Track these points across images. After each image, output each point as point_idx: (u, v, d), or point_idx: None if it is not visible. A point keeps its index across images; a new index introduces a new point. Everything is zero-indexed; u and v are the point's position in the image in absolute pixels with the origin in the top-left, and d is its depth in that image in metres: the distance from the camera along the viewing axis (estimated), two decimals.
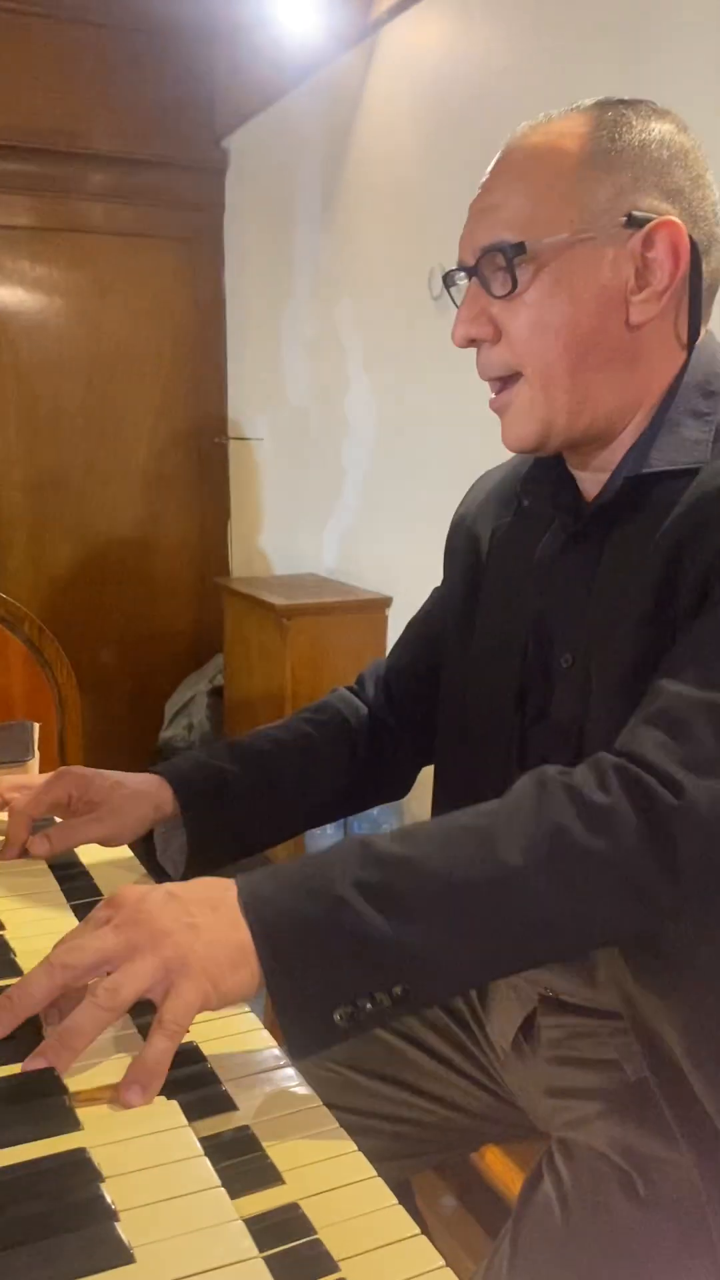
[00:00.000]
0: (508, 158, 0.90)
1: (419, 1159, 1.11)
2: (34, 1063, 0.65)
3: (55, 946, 0.70)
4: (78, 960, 0.67)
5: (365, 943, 0.68)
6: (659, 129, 0.87)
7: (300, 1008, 0.67)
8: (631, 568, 0.85)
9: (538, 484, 0.99)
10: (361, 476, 2.93)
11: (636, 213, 0.84)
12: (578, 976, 0.96)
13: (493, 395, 0.93)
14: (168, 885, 0.72)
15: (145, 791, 1.00)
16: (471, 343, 0.91)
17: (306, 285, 3.16)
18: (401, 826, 0.77)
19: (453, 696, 1.06)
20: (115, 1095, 0.64)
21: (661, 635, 0.82)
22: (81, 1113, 0.62)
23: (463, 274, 0.91)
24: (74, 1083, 0.65)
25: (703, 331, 0.91)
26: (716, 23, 1.62)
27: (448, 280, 0.94)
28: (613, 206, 0.85)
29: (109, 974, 0.67)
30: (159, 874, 1.04)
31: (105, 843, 1.00)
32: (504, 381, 0.91)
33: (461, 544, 1.09)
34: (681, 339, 0.89)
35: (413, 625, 1.20)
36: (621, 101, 0.89)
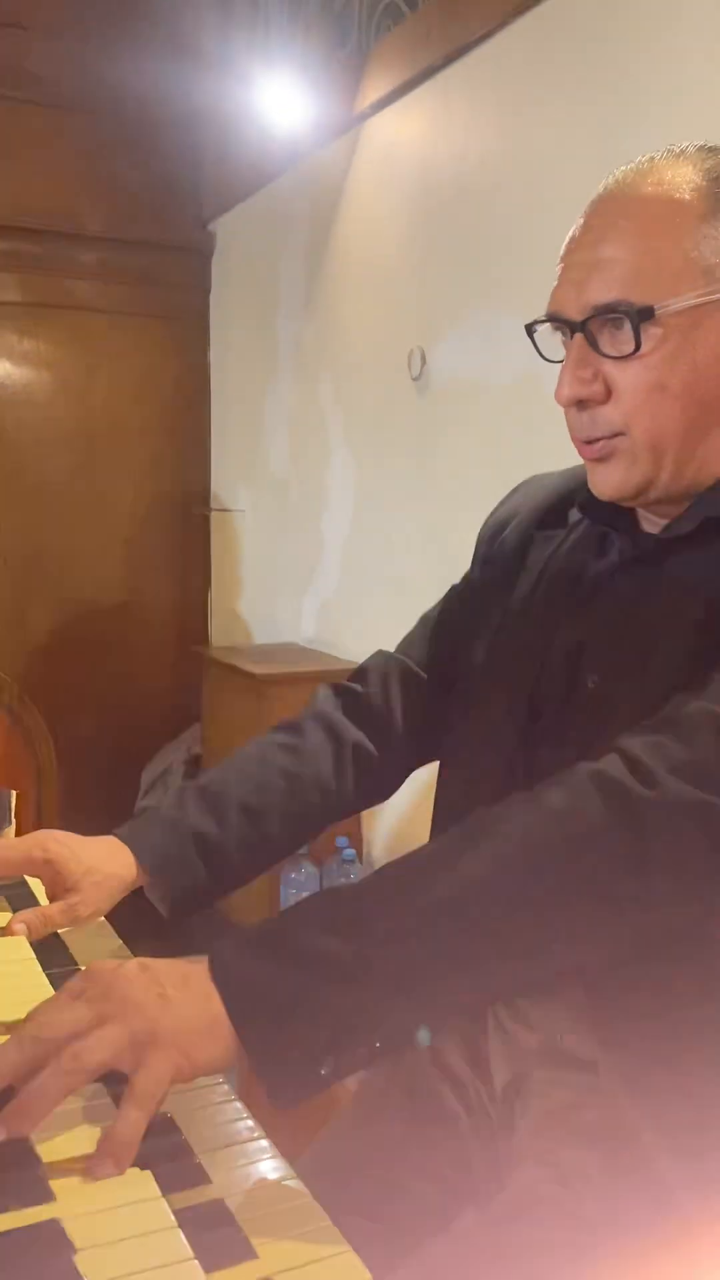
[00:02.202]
0: (617, 206, 0.86)
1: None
2: None
3: (26, 1019, 0.69)
4: (48, 1034, 0.66)
5: (339, 988, 0.66)
6: None
7: (281, 1066, 0.66)
8: (682, 605, 0.84)
9: (597, 507, 0.96)
10: (340, 547, 2.97)
11: None
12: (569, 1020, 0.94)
13: (586, 445, 0.90)
14: (141, 959, 0.72)
15: (116, 873, 0.99)
16: (579, 404, 0.88)
17: (289, 363, 3.23)
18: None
19: (465, 702, 1.03)
20: (88, 1166, 0.64)
21: (702, 669, 0.79)
22: (55, 1183, 0.62)
23: (558, 328, 0.88)
24: (47, 1153, 0.64)
25: None
26: (695, 112, 1.70)
27: (530, 330, 0.91)
28: None
29: None
30: (143, 916, 1.03)
31: (78, 925, 0.99)
32: (606, 438, 0.88)
33: (499, 549, 1.07)
34: None
35: (427, 622, 1.16)
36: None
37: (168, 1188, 0.64)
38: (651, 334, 0.83)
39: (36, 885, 1.09)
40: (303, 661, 2.92)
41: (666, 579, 0.88)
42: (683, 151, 0.87)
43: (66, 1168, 0.64)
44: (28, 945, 0.98)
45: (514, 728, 0.94)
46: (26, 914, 0.96)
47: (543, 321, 0.89)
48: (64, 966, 0.96)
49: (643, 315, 0.82)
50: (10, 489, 3.56)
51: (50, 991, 0.90)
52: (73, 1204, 0.60)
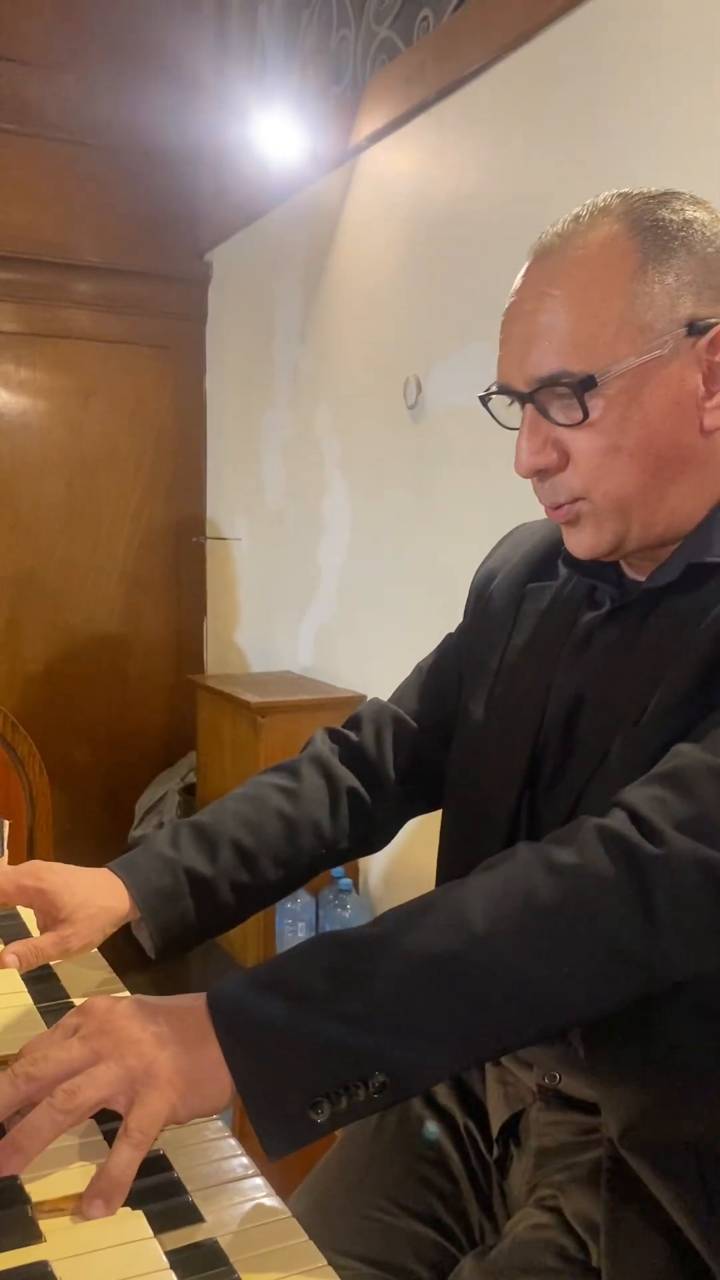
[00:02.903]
0: (547, 273, 0.85)
1: None
2: None
3: (20, 1054, 0.68)
4: (43, 1071, 0.65)
5: (337, 1034, 0.66)
6: (697, 223, 0.84)
7: (275, 1109, 0.65)
8: (674, 650, 0.83)
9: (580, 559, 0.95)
10: (337, 576, 2.97)
11: (696, 321, 0.82)
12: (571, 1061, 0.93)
13: (552, 510, 0.90)
14: (139, 996, 0.71)
15: (109, 905, 0.98)
16: (538, 473, 0.88)
17: (285, 392, 3.25)
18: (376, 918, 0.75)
19: (464, 757, 1.03)
20: (78, 1206, 0.63)
21: (694, 722, 0.79)
22: (44, 1224, 0.61)
23: (509, 399, 0.88)
24: (37, 1192, 0.63)
25: None
26: (687, 147, 1.72)
27: (485, 400, 0.90)
28: (671, 317, 0.82)
29: None
30: (132, 944, 1.02)
31: (68, 959, 0.99)
32: (569, 503, 0.88)
33: (490, 602, 1.06)
34: None
35: (420, 672, 1.16)
36: (649, 197, 0.85)
37: (160, 1227, 0.63)
38: (598, 401, 0.82)
39: (29, 916, 1.09)
40: (299, 690, 2.91)
41: (655, 627, 0.88)
42: (606, 206, 0.86)
43: (57, 1206, 0.63)
44: (19, 978, 0.97)
45: (516, 778, 0.94)
46: (18, 946, 0.95)
47: (494, 393, 0.89)
48: (56, 1000, 0.95)
49: (586, 385, 0.82)
50: (5, 516, 3.56)
51: (43, 1025, 0.89)
52: (63, 1245, 0.59)
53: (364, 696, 2.76)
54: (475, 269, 2.19)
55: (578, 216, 0.87)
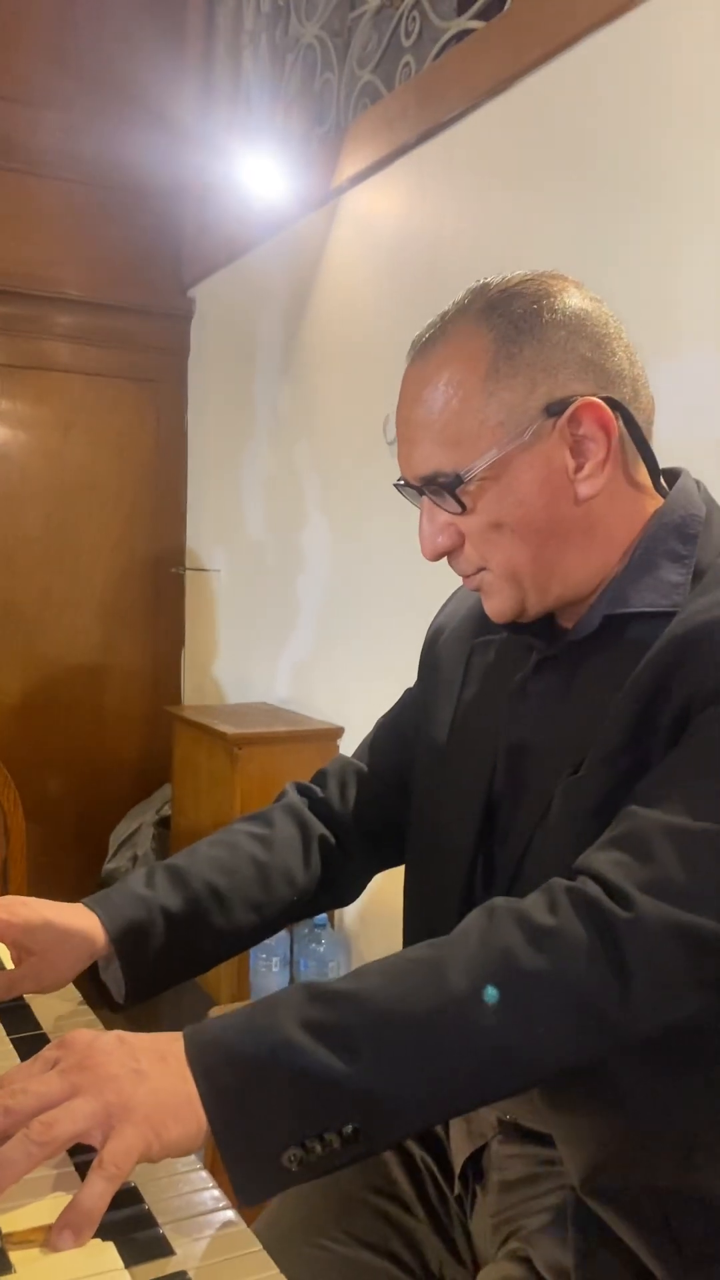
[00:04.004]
0: (419, 374, 0.91)
1: None
2: None
3: (1, 1081, 0.68)
4: (20, 1104, 0.65)
5: (312, 1081, 0.66)
6: (550, 308, 0.88)
7: (248, 1151, 0.66)
8: (604, 701, 0.86)
9: None
10: (316, 609, 2.98)
11: (553, 403, 0.86)
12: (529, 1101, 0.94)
13: (465, 579, 0.95)
14: (118, 1031, 0.71)
15: (83, 939, 0.98)
16: (440, 555, 0.94)
17: (266, 427, 3.28)
18: (355, 969, 0.76)
19: (423, 808, 1.05)
20: (48, 1237, 0.62)
21: (632, 769, 0.82)
22: (14, 1255, 0.60)
23: (411, 489, 0.93)
24: (6, 1223, 0.63)
25: (661, 475, 0.94)
26: (669, 193, 1.76)
27: (399, 487, 0.96)
28: (529, 405, 0.86)
29: None
30: (100, 990, 1.02)
31: (41, 992, 0.99)
32: (473, 574, 0.94)
33: (439, 657, 1.10)
34: (639, 483, 0.92)
35: (382, 728, 1.19)
36: (504, 290, 0.90)
37: (131, 1259, 0.62)
38: (469, 493, 0.88)
39: (2, 951, 1.08)
40: (276, 722, 2.91)
41: (584, 677, 0.91)
42: (468, 305, 0.91)
43: (26, 1239, 0.62)
44: None
45: (472, 829, 0.97)
46: None
47: (402, 484, 0.95)
48: (29, 1031, 0.94)
49: (455, 483, 0.88)
50: None
51: (15, 1058, 0.89)
52: (32, 1276, 0.59)
53: (341, 729, 2.77)
54: None
55: (443, 317, 0.92)
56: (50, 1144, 0.64)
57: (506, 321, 0.88)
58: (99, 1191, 0.63)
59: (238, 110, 3.39)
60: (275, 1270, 0.64)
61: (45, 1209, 0.64)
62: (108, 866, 3.48)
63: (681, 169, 1.69)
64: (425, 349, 0.92)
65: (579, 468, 0.88)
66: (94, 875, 3.50)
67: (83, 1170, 0.66)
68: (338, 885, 1.15)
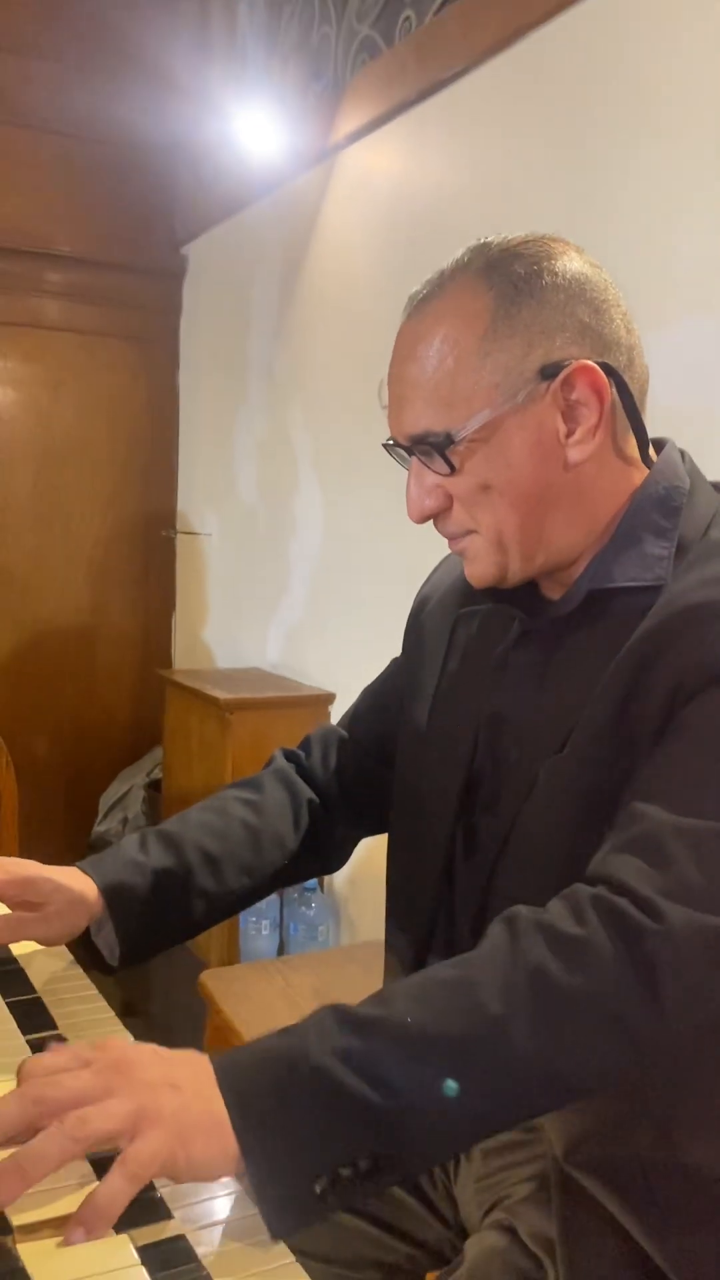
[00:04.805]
0: (413, 331, 0.89)
1: None
2: None
3: (24, 1072, 0.68)
4: (53, 1095, 0.65)
5: (344, 1111, 0.65)
6: (550, 270, 0.87)
7: (278, 1179, 0.64)
8: (586, 677, 0.85)
9: None
10: (308, 574, 2.97)
11: (548, 365, 0.85)
12: None
13: (451, 542, 0.94)
14: (154, 1045, 0.71)
15: (82, 898, 0.98)
16: (427, 517, 0.93)
17: (259, 388, 3.24)
18: (378, 990, 0.75)
19: (406, 777, 1.05)
20: (61, 1232, 0.62)
21: (620, 749, 0.81)
22: (23, 1248, 0.60)
23: (400, 449, 0.92)
24: (17, 1216, 0.62)
25: (650, 445, 0.93)
26: (668, 151, 1.73)
27: (388, 447, 0.95)
28: (524, 367, 0.85)
29: None
30: (92, 953, 1.02)
31: (44, 943, 1.00)
32: (461, 536, 0.93)
33: (424, 627, 1.09)
34: (627, 455, 0.91)
35: (367, 695, 1.19)
36: (505, 250, 0.88)
37: (126, 1224, 0.62)
38: (458, 453, 0.87)
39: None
40: (267, 687, 2.91)
41: (566, 654, 0.90)
42: (465, 263, 0.89)
43: (37, 1232, 0.61)
44: None
45: (452, 800, 0.96)
46: None
47: (391, 443, 0.94)
48: (23, 995, 0.95)
49: (445, 443, 0.86)
50: None
51: (11, 1023, 0.89)
52: (41, 1271, 0.58)
53: (333, 695, 2.77)
54: None
55: (441, 274, 0.90)
56: (85, 1140, 0.63)
57: (507, 281, 0.86)
58: (118, 1189, 0.62)
59: (233, 64, 3.32)
60: (291, 1258, 0.64)
61: (59, 1203, 0.63)
62: (98, 829, 3.49)
63: (684, 129, 1.67)
64: (422, 305, 0.90)
65: (570, 433, 0.87)
66: (84, 838, 3.51)
67: (98, 1167, 0.66)
68: (324, 851, 1.15)
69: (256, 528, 3.28)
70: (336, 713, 2.74)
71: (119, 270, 3.63)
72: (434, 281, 0.90)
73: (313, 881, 2.60)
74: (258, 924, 2.64)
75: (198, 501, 3.74)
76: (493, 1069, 0.69)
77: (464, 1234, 1.01)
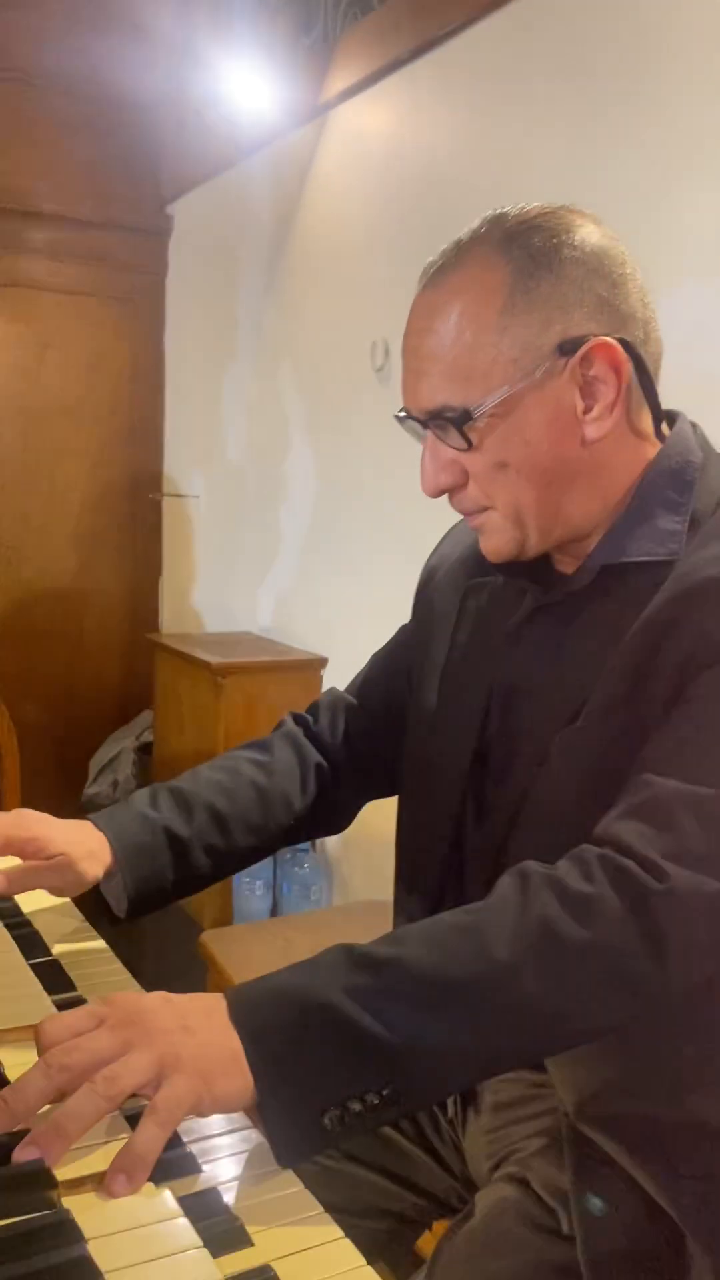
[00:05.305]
0: (430, 303, 0.88)
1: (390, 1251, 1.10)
2: (26, 1152, 0.63)
3: (42, 1036, 0.69)
4: (75, 1061, 0.66)
5: (354, 1045, 0.68)
6: (569, 244, 0.86)
7: (289, 1110, 0.67)
8: (600, 650, 0.87)
9: None
10: (299, 538, 2.97)
11: (566, 341, 0.85)
12: None
13: (467, 518, 0.95)
14: (163, 992, 0.72)
15: (93, 853, 0.99)
16: (442, 492, 0.92)
17: (248, 349, 3.22)
18: (390, 931, 0.77)
19: (417, 745, 1.07)
20: (102, 1184, 0.64)
21: (633, 720, 0.83)
22: (68, 1202, 0.62)
23: (414, 422, 0.92)
24: (60, 1171, 0.64)
25: (663, 420, 0.93)
26: (663, 109, 1.72)
27: (400, 419, 0.94)
28: (543, 342, 0.85)
29: None
30: (102, 904, 1.04)
31: (54, 893, 1.01)
32: (477, 512, 0.93)
33: (433, 598, 1.10)
34: (641, 430, 0.91)
35: (376, 662, 1.20)
36: (522, 222, 0.87)
37: (161, 1177, 0.64)
38: (476, 429, 0.87)
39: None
40: (260, 651, 2.91)
41: (580, 628, 0.91)
42: (485, 234, 0.88)
43: (79, 1186, 0.63)
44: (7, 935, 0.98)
45: (463, 768, 0.98)
46: (9, 871, 0.97)
47: (404, 415, 0.93)
48: (41, 957, 0.96)
49: (463, 419, 0.86)
50: None
51: (28, 973, 0.90)
52: (87, 1222, 0.60)
53: (325, 659, 2.78)
54: (448, 231, 2.17)
55: (458, 244, 0.89)
56: (116, 1097, 0.65)
57: (525, 254, 0.85)
58: (152, 1135, 0.64)
59: (219, 16, 3.26)
60: (301, 1186, 0.66)
61: (94, 1156, 0.66)
62: (88, 791, 3.50)
63: (686, 86, 1.66)
64: (438, 276, 0.89)
65: (588, 409, 0.87)
66: (74, 799, 3.52)
67: (128, 1118, 0.68)
68: (330, 813, 1.17)
69: (245, 490, 3.27)
70: (328, 677, 2.76)
71: (103, 229, 3.58)
72: (449, 252, 0.89)
73: (305, 843, 2.62)
74: (251, 884, 2.67)
75: (184, 463, 3.72)
76: (499, 1012, 0.71)
77: (471, 1186, 1.04)
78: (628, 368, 0.87)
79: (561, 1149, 0.89)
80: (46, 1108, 0.66)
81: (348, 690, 1.21)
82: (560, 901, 0.73)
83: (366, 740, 1.16)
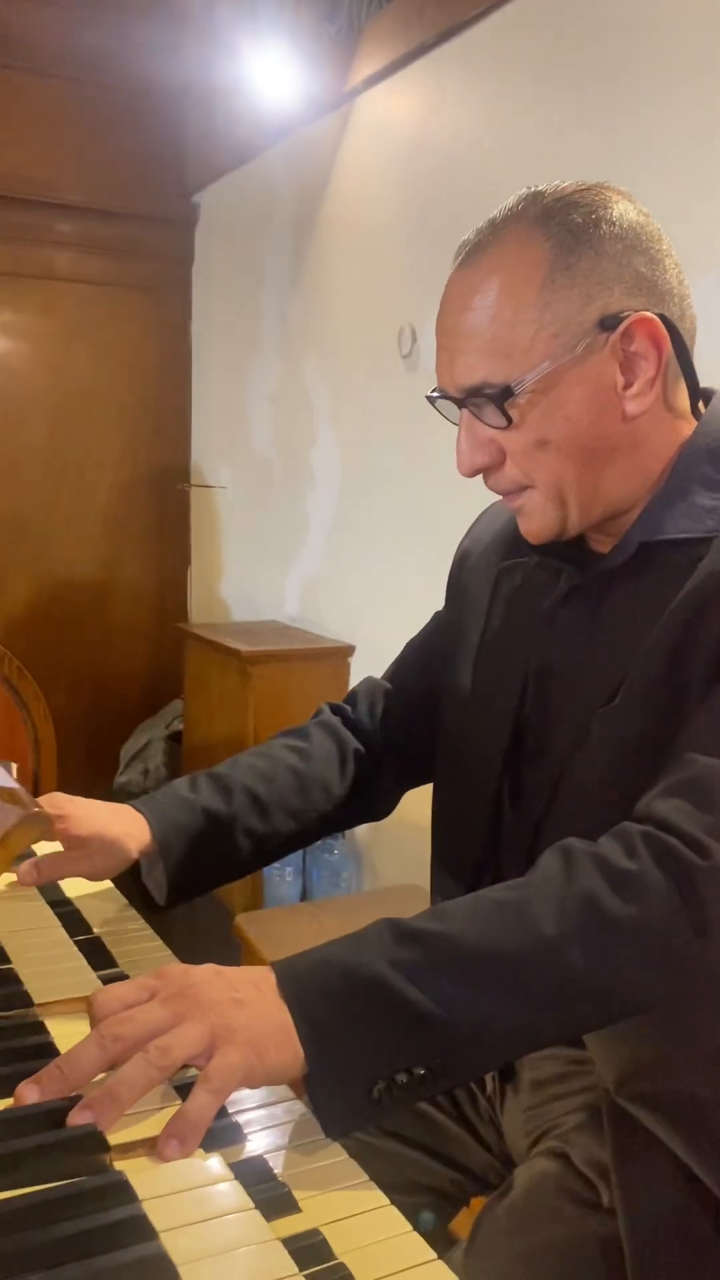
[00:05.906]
0: (467, 281, 0.88)
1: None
2: (81, 1115, 0.65)
3: (95, 1007, 0.70)
4: (128, 1032, 0.67)
5: (401, 1019, 0.68)
6: (608, 220, 0.86)
7: (337, 1082, 0.68)
8: (637, 630, 0.87)
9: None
10: (325, 527, 2.98)
11: (607, 316, 0.85)
12: None
13: (505, 497, 0.94)
14: (212, 965, 0.74)
15: (130, 833, 1.01)
16: (479, 471, 0.92)
17: (274, 339, 3.23)
18: (432, 907, 0.78)
19: (452, 729, 1.07)
20: (155, 1148, 0.65)
21: (673, 698, 0.83)
22: (120, 1165, 0.63)
23: (449, 401, 0.91)
24: (113, 1136, 0.65)
25: (700, 399, 0.93)
26: (689, 96, 1.71)
27: (432, 400, 0.94)
28: (583, 318, 0.85)
29: None
30: (143, 893, 1.05)
31: (89, 878, 1.02)
32: (515, 492, 0.92)
33: (466, 581, 1.10)
34: (677, 407, 0.91)
35: (412, 648, 1.20)
36: (560, 198, 0.87)
37: (209, 1146, 0.66)
38: (517, 406, 0.86)
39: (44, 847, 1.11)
40: (288, 640, 2.93)
41: (616, 606, 0.91)
42: (519, 211, 0.88)
43: (131, 1151, 0.65)
44: (51, 914, 0.99)
45: (499, 751, 0.98)
46: (40, 859, 0.98)
47: (437, 395, 0.93)
48: (84, 934, 0.98)
49: (504, 395, 0.86)
50: None
51: (81, 959, 0.92)
52: (140, 1184, 0.62)
53: (353, 648, 2.79)
54: (474, 218, 2.17)
55: (493, 222, 0.89)
56: (168, 1067, 0.66)
57: (565, 230, 0.85)
58: (204, 1103, 0.66)
59: (244, 5, 3.26)
60: (345, 1155, 0.68)
61: (147, 1123, 0.67)
62: (119, 780, 3.53)
63: (711, 69, 1.65)
64: (474, 254, 0.88)
65: (628, 384, 0.87)
66: (105, 789, 3.55)
67: (178, 1089, 0.69)
68: (371, 800, 1.18)
69: (272, 480, 3.28)
70: (356, 664, 2.77)
71: (129, 220, 3.60)
72: (485, 230, 0.89)
73: None
74: (281, 870, 2.69)
75: (211, 454, 3.73)
76: (544, 987, 0.72)
77: (509, 1163, 1.05)
78: (667, 343, 0.87)
79: (601, 1123, 0.90)
80: (100, 1076, 0.68)
81: (385, 676, 1.22)
82: (605, 878, 0.74)
83: (405, 726, 1.17)
